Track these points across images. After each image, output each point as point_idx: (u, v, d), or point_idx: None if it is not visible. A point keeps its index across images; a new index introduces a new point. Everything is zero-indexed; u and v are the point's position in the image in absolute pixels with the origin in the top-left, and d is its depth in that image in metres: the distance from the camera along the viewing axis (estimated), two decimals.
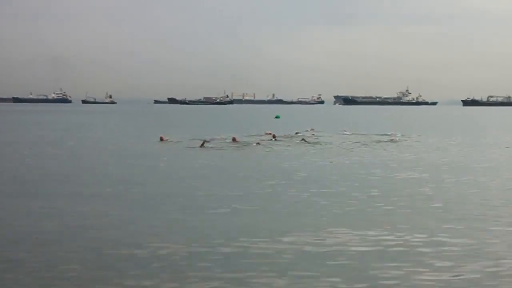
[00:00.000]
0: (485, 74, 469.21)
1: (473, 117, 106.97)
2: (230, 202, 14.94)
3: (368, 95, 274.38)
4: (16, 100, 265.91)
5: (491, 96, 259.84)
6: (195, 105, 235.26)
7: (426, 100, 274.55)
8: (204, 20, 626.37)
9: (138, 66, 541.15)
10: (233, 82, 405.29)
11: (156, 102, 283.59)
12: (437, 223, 12.80)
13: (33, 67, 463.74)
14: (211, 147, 31.48)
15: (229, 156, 27.31)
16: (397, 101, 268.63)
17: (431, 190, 17.26)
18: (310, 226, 12.30)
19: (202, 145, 31.60)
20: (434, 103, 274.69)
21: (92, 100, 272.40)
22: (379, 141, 36.41)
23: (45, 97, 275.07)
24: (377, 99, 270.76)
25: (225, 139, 35.94)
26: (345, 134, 43.07)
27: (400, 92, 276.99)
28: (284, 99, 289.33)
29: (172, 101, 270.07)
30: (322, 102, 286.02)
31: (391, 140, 37.20)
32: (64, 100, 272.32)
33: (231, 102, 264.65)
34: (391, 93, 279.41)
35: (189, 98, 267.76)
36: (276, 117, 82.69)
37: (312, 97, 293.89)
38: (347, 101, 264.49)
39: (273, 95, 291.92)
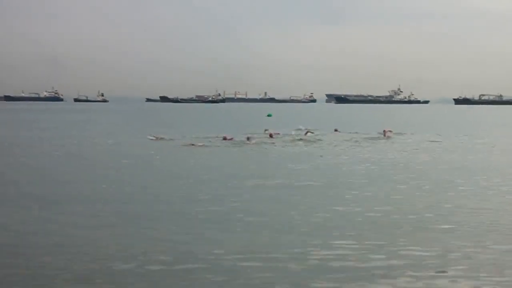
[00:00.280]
0: (477, 73, 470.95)
1: (465, 115, 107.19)
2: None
3: (360, 93, 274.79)
4: (8, 98, 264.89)
5: (483, 95, 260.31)
6: (187, 103, 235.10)
7: (418, 99, 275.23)
8: (196, 19, 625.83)
9: (130, 64, 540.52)
10: (225, 80, 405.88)
11: (148, 100, 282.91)
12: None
13: (25, 65, 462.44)
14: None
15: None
16: (389, 100, 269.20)
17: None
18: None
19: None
20: (426, 102, 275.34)
21: (84, 98, 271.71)
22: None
23: (37, 95, 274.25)
24: (369, 98, 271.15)
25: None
26: (338, 132, 43.34)
27: (392, 91, 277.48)
28: (276, 97, 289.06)
29: (164, 99, 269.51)
30: (314, 101, 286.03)
31: (386, 136, 38.10)
32: (56, 99, 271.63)
33: (223, 100, 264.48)
34: (383, 92, 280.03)
35: (181, 96, 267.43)
36: (268, 116, 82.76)
37: (304, 95, 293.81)
38: (339, 99, 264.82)
39: (265, 93, 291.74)
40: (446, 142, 35.50)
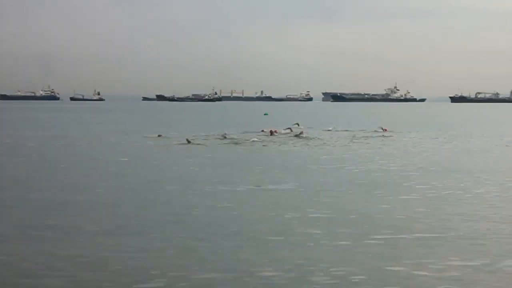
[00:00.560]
0: (473, 71, 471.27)
1: (462, 113, 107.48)
2: None
3: (356, 91, 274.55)
4: (3, 97, 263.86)
5: (479, 93, 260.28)
6: (184, 102, 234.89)
7: (414, 97, 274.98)
8: (193, 18, 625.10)
9: (127, 63, 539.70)
10: (222, 79, 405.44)
11: (145, 99, 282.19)
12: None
13: (20, 64, 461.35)
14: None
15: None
16: (385, 98, 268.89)
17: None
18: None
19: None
20: (423, 100, 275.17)
21: (80, 97, 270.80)
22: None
23: (33, 94, 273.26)
24: (366, 96, 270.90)
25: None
26: (329, 130, 43.74)
27: (388, 89, 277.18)
28: (273, 96, 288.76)
29: (160, 98, 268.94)
30: (310, 99, 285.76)
31: (383, 131, 38.71)
32: (52, 97, 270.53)
33: (220, 99, 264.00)
34: (380, 90, 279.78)
35: (177, 95, 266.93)
36: (264, 114, 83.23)
37: (301, 94, 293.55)
38: (336, 98, 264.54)
39: (262, 92, 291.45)
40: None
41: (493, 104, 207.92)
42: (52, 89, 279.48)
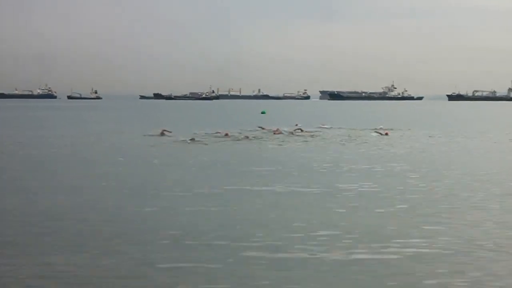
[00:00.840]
0: (471, 69, 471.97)
1: (459, 111, 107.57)
2: None
3: (353, 90, 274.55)
4: (0, 96, 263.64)
5: (476, 91, 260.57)
6: (181, 100, 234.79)
7: (412, 95, 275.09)
8: (190, 16, 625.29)
9: (124, 61, 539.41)
10: (219, 77, 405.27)
11: (142, 97, 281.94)
12: None
13: (18, 63, 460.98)
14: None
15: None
16: (382, 96, 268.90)
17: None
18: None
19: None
20: (420, 98, 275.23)
21: (77, 95, 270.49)
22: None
23: (30, 93, 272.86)
24: (363, 94, 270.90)
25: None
26: (325, 127, 43.92)
27: (385, 87, 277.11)
28: (270, 94, 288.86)
29: (157, 96, 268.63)
30: (307, 98, 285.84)
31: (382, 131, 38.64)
32: (50, 96, 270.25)
33: (217, 97, 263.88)
34: (377, 88, 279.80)
35: (175, 93, 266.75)
36: (262, 113, 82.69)
37: (298, 92, 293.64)
38: (333, 96, 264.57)
39: (259, 90, 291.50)
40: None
41: (490, 102, 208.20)
42: (49, 88, 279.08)
